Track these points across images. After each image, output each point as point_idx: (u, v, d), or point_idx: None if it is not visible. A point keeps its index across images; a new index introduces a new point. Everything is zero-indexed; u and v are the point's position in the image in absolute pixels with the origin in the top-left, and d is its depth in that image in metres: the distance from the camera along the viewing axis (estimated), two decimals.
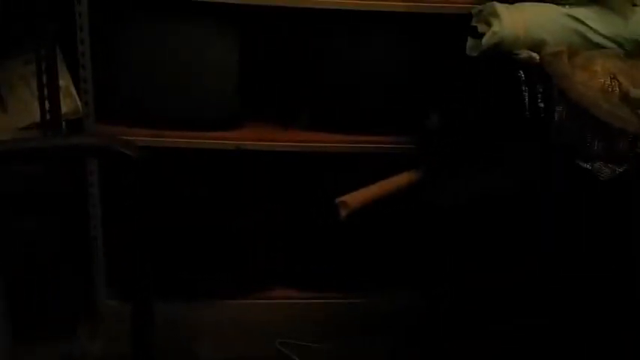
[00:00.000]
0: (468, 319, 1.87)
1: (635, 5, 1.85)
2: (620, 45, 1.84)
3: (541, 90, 1.75)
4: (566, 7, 1.83)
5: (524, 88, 1.76)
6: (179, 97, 2.07)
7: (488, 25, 1.81)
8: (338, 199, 1.96)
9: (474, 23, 1.84)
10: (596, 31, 1.82)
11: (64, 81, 2.01)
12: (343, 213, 1.96)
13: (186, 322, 2.27)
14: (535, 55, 1.77)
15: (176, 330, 2.18)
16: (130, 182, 1.02)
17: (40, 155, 1.07)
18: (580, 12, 1.82)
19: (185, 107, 2.09)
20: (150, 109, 2.08)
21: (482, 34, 1.80)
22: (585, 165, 1.72)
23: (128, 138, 2.04)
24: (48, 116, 1.95)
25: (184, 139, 2.11)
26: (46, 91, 1.93)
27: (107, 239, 2.19)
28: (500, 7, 1.81)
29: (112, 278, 2.24)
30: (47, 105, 1.94)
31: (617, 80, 1.75)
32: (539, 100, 1.75)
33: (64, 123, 2.01)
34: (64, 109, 1.99)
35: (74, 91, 2.03)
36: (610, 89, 1.74)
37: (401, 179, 1.99)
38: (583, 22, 1.82)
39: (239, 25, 2.05)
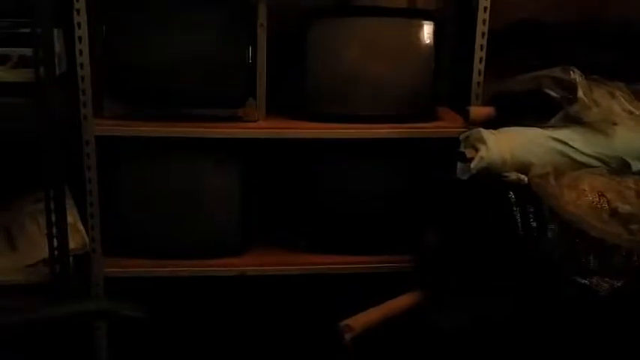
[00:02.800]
0: None
1: (614, 124, 1.94)
2: (604, 163, 1.91)
3: (532, 210, 1.81)
4: (550, 129, 1.92)
5: (515, 209, 1.83)
6: (184, 228, 2.14)
7: (476, 149, 1.89)
8: (342, 323, 1.98)
9: (461, 149, 1.92)
10: (580, 151, 1.90)
11: (72, 218, 2.07)
12: (348, 336, 1.97)
13: None
14: (523, 177, 1.84)
15: None
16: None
17: (46, 323, 1.10)
18: (563, 134, 1.91)
19: (189, 238, 2.16)
20: (155, 241, 2.15)
21: (471, 159, 1.88)
22: (583, 281, 1.76)
23: (133, 271, 2.12)
24: (56, 253, 2.00)
25: (188, 268, 2.17)
26: (54, 229, 1.99)
27: None
28: (486, 133, 1.90)
29: None
30: (55, 242, 1.99)
31: (605, 197, 1.82)
32: (531, 220, 1.81)
33: (71, 258, 2.05)
34: (71, 244, 2.04)
35: (82, 227, 2.09)
36: (599, 206, 1.80)
37: (402, 301, 2.01)
38: (566, 144, 1.90)
39: (240, 157, 2.15)
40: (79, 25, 1.91)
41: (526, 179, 1.83)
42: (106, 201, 2.11)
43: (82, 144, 2.01)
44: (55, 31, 1.89)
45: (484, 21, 2.08)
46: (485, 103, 2.13)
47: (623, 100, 1.97)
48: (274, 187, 2.33)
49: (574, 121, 1.91)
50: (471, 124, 2.01)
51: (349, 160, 2.18)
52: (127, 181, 2.11)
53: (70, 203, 2.08)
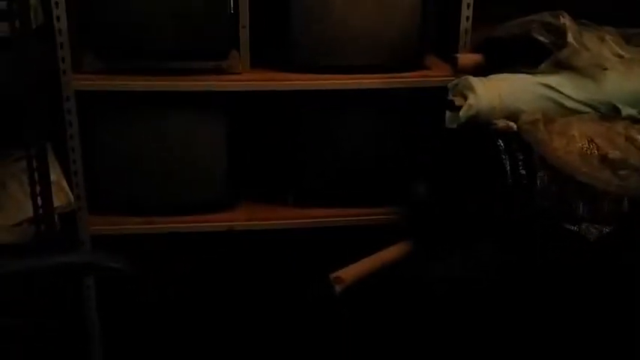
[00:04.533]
0: None
1: (605, 69, 1.91)
2: (594, 108, 1.89)
3: (521, 157, 1.79)
4: (539, 75, 1.89)
5: (504, 157, 1.81)
6: (169, 184, 2.11)
7: (465, 98, 1.86)
8: (332, 275, 1.97)
9: (450, 97, 1.89)
10: (569, 97, 1.88)
11: (56, 176, 2.04)
12: (338, 288, 1.97)
13: None
14: (512, 124, 1.82)
15: None
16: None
17: (31, 274, 1.08)
18: (552, 80, 1.88)
19: (175, 193, 2.13)
20: (141, 197, 2.12)
21: (460, 107, 1.86)
22: (572, 227, 1.76)
23: (120, 228, 2.10)
24: (41, 211, 1.97)
25: (176, 224, 2.15)
26: (38, 188, 1.96)
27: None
28: (475, 81, 1.87)
29: None
30: (39, 201, 1.97)
31: (595, 143, 1.80)
32: (520, 168, 1.80)
33: (56, 217, 2.03)
34: (56, 203, 2.02)
35: (66, 185, 2.06)
36: (589, 152, 1.79)
37: (392, 252, 2.01)
38: (556, 90, 1.87)
39: (224, 111, 2.10)
40: None
41: (515, 126, 1.81)
42: (90, 158, 2.07)
43: (62, 99, 1.96)
44: None
45: None
46: (473, 51, 2.09)
47: (613, 44, 1.94)
48: (261, 140, 2.30)
49: (564, 66, 1.88)
50: (459, 72, 1.97)
51: (336, 112, 2.14)
52: (110, 137, 2.06)
53: (52, 161, 2.05)
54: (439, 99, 1.97)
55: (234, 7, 1.99)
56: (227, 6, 1.98)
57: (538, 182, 1.77)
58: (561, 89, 1.87)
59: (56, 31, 1.89)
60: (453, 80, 1.94)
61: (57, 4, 1.87)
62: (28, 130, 1.90)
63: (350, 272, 1.98)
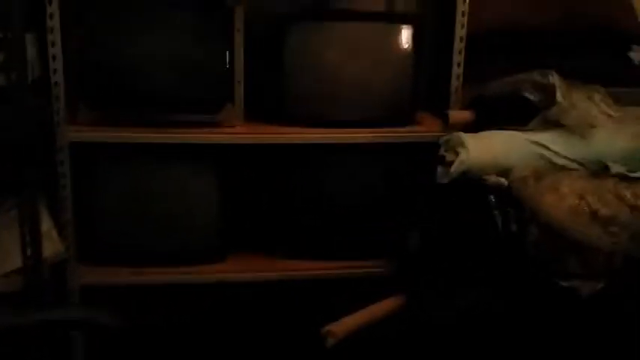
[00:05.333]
0: None
1: (593, 127, 1.94)
2: (583, 165, 1.92)
3: (512, 213, 1.81)
4: (529, 133, 1.92)
5: (495, 212, 1.82)
6: (160, 234, 2.11)
7: (456, 153, 1.89)
8: (325, 328, 1.96)
9: (441, 153, 1.91)
10: (558, 154, 1.91)
11: (46, 225, 2.02)
12: (331, 341, 1.95)
13: None
14: (503, 180, 1.84)
15: None
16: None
17: (18, 330, 1.07)
18: (543, 137, 1.91)
19: (167, 244, 2.12)
20: (132, 247, 2.11)
21: (451, 163, 1.88)
22: (565, 284, 1.76)
23: (110, 278, 2.08)
24: (30, 262, 1.96)
25: (166, 275, 2.13)
26: (27, 237, 1.94)
27: None
28: (466, 137, 1.90)
29: None
30: (29, 251, 1.95)
31: (586, 200, 1.81)
32: (511, 223, 1.81)
33: (46, 267, 2.01)
34: (46, 253, 2.00)
35: (56, 235, 2.04)
36: (579, 209, 1.80)
37: (386, 305, 2.00)
38: (546, 146, 1.90)
39: (217, 163, 2.12)
40: (51, 29, 1.88)
41: (506, 182, 1.83)
42: (82, 208, 2.07)
43: (56, 151, 1.97)
44: (29, 36, 1.86)
45: (462, 25, 2.08)
46: (464, 107, 2.13)
47: (601, 103, 1.97)
48: (253, 191, 2.30)
49: (553, 124, 1.92)
50: (451, 128, 2.01)
51: (328, 165, 2.16)
52: (103, 187, 2.07)
53: (44, 211, 2.04)
54: (431, 153, 1.99)
55: (230, 62, 2.03)
56: (223, 61, 2.02)
57: (529, 237, 1.78)
58: (551, 146, 1.90)
59: (52, 84, 1.91)
60: (444, 136, 1.96)
61: (54, 57, 1.89)
62: (20, 180, 1.90)
63: (342, 325, 1.97)
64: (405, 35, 2.09)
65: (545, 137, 1.91)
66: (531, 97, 1.94)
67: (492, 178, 1.85)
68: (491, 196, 1.82)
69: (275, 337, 2.31)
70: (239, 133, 2.07)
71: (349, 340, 1.96)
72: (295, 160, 2.15)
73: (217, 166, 2.12)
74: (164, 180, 2.08)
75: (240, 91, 2.06)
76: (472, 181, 1.88)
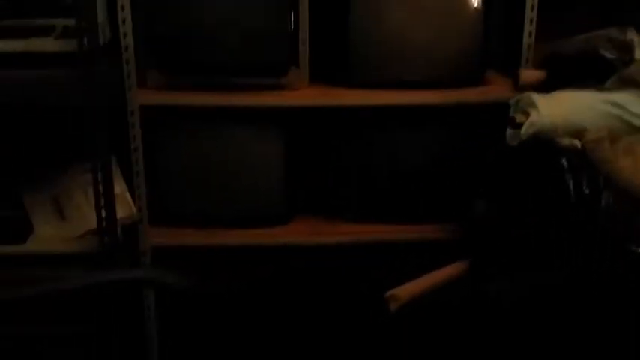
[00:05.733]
0: None
1: None
2: None
3: (585, 177, 1.75)
4: (604, 92, 1.83)
5: (567, 176, 1.76)
6: (228, 197, 2.14)
7: (526, 115, 1.83)
8: (388, 293, 1.96)
9: (511, 114, 1.86)
10: (636, 115, 1.81)
11: (120, 188, 2.09)
12: (393, 306, 1.95)
13: None
14: (576, 142, 1.77)
15: None
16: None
17: (93, 289, 1.11)
18: (618, 97, 1.82)
19: (234, 207, 2.16)
20: (200, 210, 2.16)
21: (521, 124, 1.82)
22: (638, 250, 1.70)
23: (179, 240, 2.13)
24: (104, 223, 2.03)
25: (233, 238, 2.17)
26: (102, 200, 2.01)
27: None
28: (537, 97, 1.83)
29: None
30: (103, 213, 2.02)
31: None
32: (584, 187, 1.75)
33: (119, 228, 2.08)
34: (119, 214, 2.07)
35: (129, 198, 2.11)
36: None
37: (450, 270, 1.98)
38: (622, 107, 1.81)
39: (283, 126, 2.13)
40: None
41: (579, 144, 1.76)
42: (153, 171, 2.12)
43: (127, 114, 2.02)
44: (98, 0, 1.90)
45: None
46: (536, 67, 2.05)
47: None
48: (318, 155, 2.30)
49: (630, 83, 1.82)
50: (521, 88, 1.94)
51: (395, 127, 2.14)
52: (172, 150, 2.11)
53: (117, 174, 2.10)
54: (500, 115, 1.93)
55: (295, 24, 2.02)
56: (287, 23, 2.01)
57: (602, 202, 1.72)
58: (628, 106, 1.81)
59: (122, 48, 1.95)
60: (514, 96, 1.90)
61: (124, 21, 1.92)
62: (94, 143, 1.96)
63: (405, 290, 1.96)
64: None
65: (622, 97, 1.82)
66: (607, 54, 1.85)
67: (565, 141, 1.78)
68: (564, 159, 1.76)
69: (338, 301, 2.33)
70: (304, 95, 2.06)
71: (412, 304, 1.95)
72: (362, 121, 2.13)
73: (282, 129, 2.12)
74: (230, 143, 2.11)
75: (305, 53, 2.05)
76: (543, 144, 1.82)
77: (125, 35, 1.93)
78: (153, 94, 2.02)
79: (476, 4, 2.03)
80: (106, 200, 2.01)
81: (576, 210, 1.74)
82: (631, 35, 1.82)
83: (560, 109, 1.81)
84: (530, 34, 2.04)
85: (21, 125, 2.16)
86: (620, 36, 1.84)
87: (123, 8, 1.91)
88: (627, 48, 1.83)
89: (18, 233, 2.06)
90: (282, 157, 2.12)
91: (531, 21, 2.03)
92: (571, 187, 1.75)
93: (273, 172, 2.13)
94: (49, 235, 2.08)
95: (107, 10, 1.97)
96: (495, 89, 2.08)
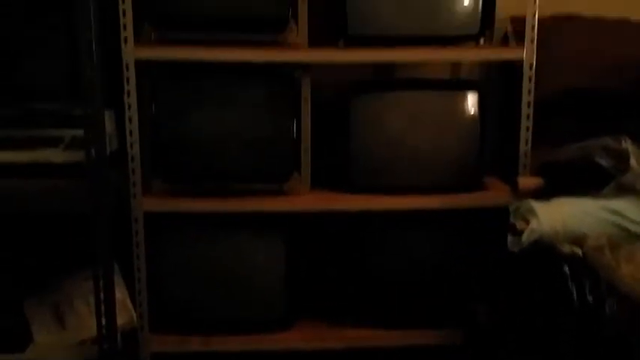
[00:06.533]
0: None
1: None
2: None
3: (588, 284, 1.75)
4: (602, 200, 1.87)
5: (570, 283, 1.77)
6: (229, 303, 2.13)
7: (527, 221, 1.85)
8: None
9: (512, 221, 1.88)
10: (635, 222, 1.84)
11: (121, 294, 2.09)
12: None
13: None
14: (577, 249, 1.79)
15: None
16: None
17: None
18: (616, 204, 1.85)
19: (235, 312, 2.15)
20: (201, 316, 2.14)
21: (522, 231, 1.84)
22: None
23: (180, 347, 2.10)
24: (104, 330, 2.01)
25: (234, 344, 2.14)
26: (103, 307, 2.00)
27: None
28: (537, 205, 1.86)
29: None
30: (103, 320, 2.00)
31: None
32: (587, 294, 1.75)
33: (119, 335, 2.05)
34: (119, 321, 2.05)
35: (130, 304, 2.10)
36: None
37: None
38: (621, 214, 1.84)
39: (284, 231, 2.14)
40: (129, 106, 1.96)
41: (580, 252, 1.78)
42: (154, 277, 2.11)
43: (131, 221, 2.03)
44: (107, 112, 1.95)
45: (529, 91, 2.07)
46: (533, 172, 2.10)
47: None
48: (319, 259, 2.31)
49: (627, 190, 1.86)
50: (520, 195, 1.98)
51: (395, 232, 2.16)
52: (174, 256, 2.11)
53: (118, 279, 2.10)
54: (499, 220, 1.96)
55: (297, 131, 2.07)
56: (290, 132, 2.06)
57: (607, 309, 1.72)
58: (626, 214, 1.84)
59: (129, 158, 1.99)
60: (513, 202, 1.93)
61: (131, 132, 1.97)
62: (95, 250, 1.96)
63: None
64: (470, 101, 2.10)
65: (620, 204, 1.85)
66: (603, 162, 1.89)
67: (566, 248, 1.79)
68: (566, 266, 1.77)
69: None
70: (306, 201, 2.09)
71: None
72: (362, 226, 2.15)
73: (284, 234, 2.14)
74: (231, 249, 2.12)
75: (307, 159, 2.10)
76: (544, 251, 1.83)
77: (132, 146, 1.98)
78: (157, 202, 2.05)
79: (472, 113, 2.10)
80: (106, 307, 2.00)
81: (580, 317, 1.74)
82: (626, 144, 1.88)
83: (559, 216, 1.84)
84: (526, 142, 2.10)
85: (23, 232, 2.18)
86: (615, 144, 1.89)
87: (131, 120, 1.97)
88: (622, 156, 1.87)
89: (17, 342, 2.04)
90: (283, 262, 2.12)
91: (527, 129, 2.09)
92: (574, 294, 1.75)
93: (274, 277, 2.12)
94: (48, 343, 2.06)
95: (115, 120, 2.02)
96: (494, 195, 2.11)
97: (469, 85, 2.14)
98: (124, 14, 1.90)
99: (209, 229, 2.11)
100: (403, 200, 2.09)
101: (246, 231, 2.12)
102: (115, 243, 2.04)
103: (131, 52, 1.93)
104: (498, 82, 2.26)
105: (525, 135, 2.10)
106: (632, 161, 1.85)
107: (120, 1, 1.89)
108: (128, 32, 1.91)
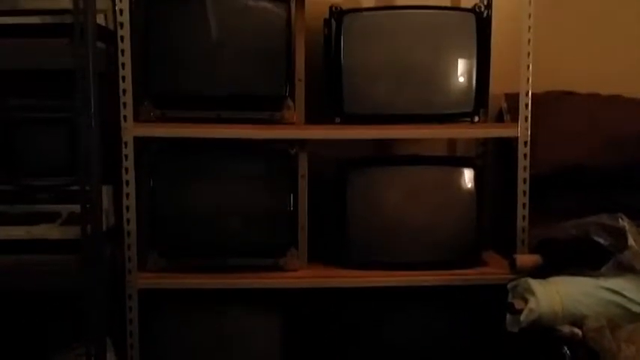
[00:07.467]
0: None
1: None
2: None
3: None
4: (601, 279, 1.85)
5: None
6: None
7: (525, 300, 1.83)
8: None
9: (510, 299, 1.86)
10: (634, 301, 1.82)
11: None
12: None
13: None
14: (577, 330, 1.76)
15: None
16: None
17: None
18: (615, 283, 1.84)
19: None
20: None
21: (520, 310, 1.82)
22: None
23: None
24: None
25: None
26: None
27: None
28: (535, 283, 1.84)
29: None
30: None
31: None
32: None
33: None
34: None
35: None
36: None
37: None
38: (620, 293, 1.82)
39: (281, 306, 2.11)
40: (127, 182, 1.97)
41: (580, 333, 1.75)
42: (147, 354, 2.07)
43: (125, 297, 2.01)
44: (105, 187, 1.96)
45: (524, 167, 2.08)
46: (531, 248, 2.09)
47: None
48: (317, 333, 2.27)
49: (626, 269, 1.85)
50: (518, 272, 1.96)
51: (393, 308, 2.13)
52: (168, 333, 2.08)
53: (111, 357, 2.06)
54: (498, 295, 1.94)
55: (294, 206, 2.07)
56: (287, 205, 2.06)
57: None
58: (625, 293, 1.82)
59: (125, 233, 1.98)
60: (511, 279, 1.91)
61: (128, 208, 1.97)
62: (88, 327, 1.93)
63: None
64: (467, 178, 2.11)
65: (619, 283, 1.83)
66: (601, 240, 1.88)
67: (566, 329, 1.77)
68: (565, 348, 1.74)
69: None
70: (302, 277, 2.08)
71: None
72: (358, 302, 2.12)
73: (280, 309, 2.11)
74: (228, 324, 2.09)
75: (304, 235, 2.10)
76: (543, 331, 1.81)
77: (129, 221, 1.98)
78: (153, 278, 2.03)
79: (468, 189, 2.10)
80: None
81: None
82: (623, 222, 1.87)
83: (558, 295, 1.82)
84: (523, 218, 2.10)
85: (16, 307, 2.15)
86: (612, 222, 1.88)
87: (128, 196, 1.97)
88: (620, 234, 1.86)
89: None
90: (278, 336, 2.09)
91: (524, 205, 2.09)
92: None
93: (271, 353, 2.09)
94: None
95: (113, 195, 2.02)
96: (492, 271, 2.10)
97: (466, 162, 2.16)
98: (124, 93, 1.93)
99: (205, 305, 2.08)
100: (400, 276, 2.07)
101: (242, 306, 2.09)
102: (110, 318, 2.02)
103: (130, 130, 1.95)
104: (495, 156, 2.28)
105: (522, 212, 2.10)
106: (630, 240, 1.84)
107: (120, 81, 1.92)
108: (128, 111, 1.94)
